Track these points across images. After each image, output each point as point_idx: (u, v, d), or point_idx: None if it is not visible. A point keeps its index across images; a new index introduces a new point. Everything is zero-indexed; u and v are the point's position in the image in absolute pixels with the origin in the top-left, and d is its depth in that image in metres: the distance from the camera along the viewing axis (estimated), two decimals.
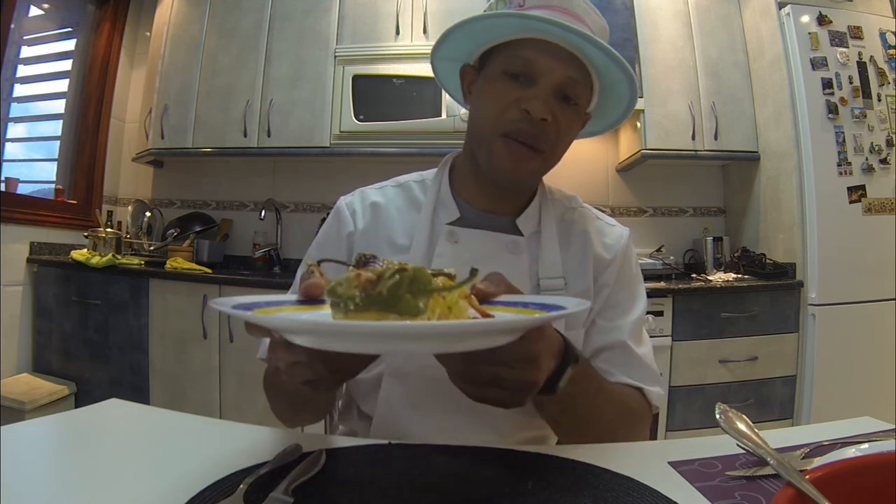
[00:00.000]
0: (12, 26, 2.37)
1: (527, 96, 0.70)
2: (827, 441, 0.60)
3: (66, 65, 2.74)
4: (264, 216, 2.64)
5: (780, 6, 2.29)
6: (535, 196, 0.82)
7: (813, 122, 2.18)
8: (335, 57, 2.44)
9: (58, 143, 2.72)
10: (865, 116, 2.21)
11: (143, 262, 2.37)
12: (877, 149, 2.21)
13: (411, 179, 0.85)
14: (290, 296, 0.51)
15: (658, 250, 2.59)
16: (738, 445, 0.55)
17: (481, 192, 0.79)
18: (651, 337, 0.89)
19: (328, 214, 0.87)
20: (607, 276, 0.80)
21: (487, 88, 0.74)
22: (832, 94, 2.20)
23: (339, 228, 0.82)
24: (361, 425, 0.79)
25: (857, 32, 2.26)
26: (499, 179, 0.76)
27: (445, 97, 2.18)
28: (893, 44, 2.29)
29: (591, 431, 0.66)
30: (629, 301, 0.81)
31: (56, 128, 2.73)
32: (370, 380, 0.76)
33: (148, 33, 2.90)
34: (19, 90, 2.62)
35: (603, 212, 0.89)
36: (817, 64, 2.21)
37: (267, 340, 0.81)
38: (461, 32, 0.74)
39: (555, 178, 0.82)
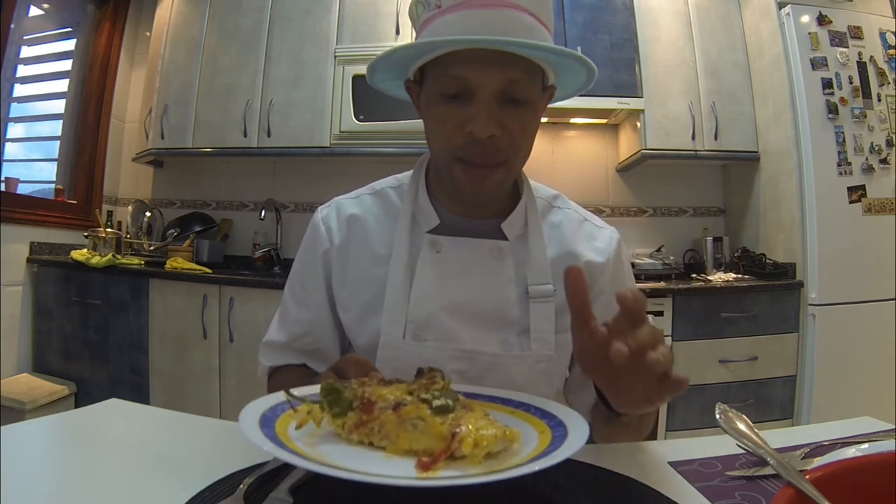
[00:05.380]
0: (12, 26, 2.37)
1: (468, 116, 0.64)
2: (827, 441, 0.60)
3: (66, 65, 2.74)
4: (264, 216, 2.65)
5: (780, 6, 2.29)
6: (518, 195, 0.78)
7: (813, 122, 2.18)
8: (335, 57, 2.44)
9: (58, 143, 2.72)
10: (865, 116, 2.21)
11: (143, 262, 2.37)
12: (877, 149, 2.21)
13: (388, 185, 0.82)
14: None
15: (658, 250, 2.59)
16: (738, 445, 0.55)
17: (458, 201, 0.76)
18: None
19: None
20: (603, 281, 0.78)
21: (430, 111, 0.69)
22: (832, 94, 2.20)
23: (314, 246, 0.80)
24: None
25: (857, 32, 2.26)
26: (467, 199, 0.74)
27: None
28: (893, 44, 2.29)
29: (645, 427, 0.72)
30: None
31: (56, 128, 2.73)
32: None
33: (148, 33, 2.90)
34: (19, 90, 2.62)
35: (602, 212, 0.87)
36: (817, 64, 2.21)
37: (267, 365, 0.82)
38: (383, 65, 0.70)
39: (556, 179, 0.81)
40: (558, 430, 0.50)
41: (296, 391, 0.53)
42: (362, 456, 0.46)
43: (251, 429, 0.45)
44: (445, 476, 0.42)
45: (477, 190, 0.70)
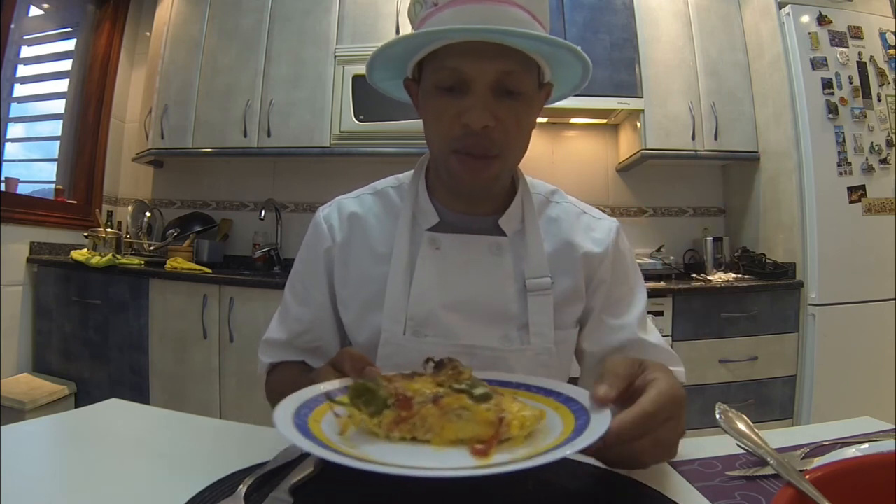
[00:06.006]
0: (12, 26, 2.37)
1: (464, 108, 0.66)
2: (827, 441, 0.60)
3: (66, 65, 2.74)
4: (264, 216, 2.64)
5: (780, 6, 2.29)
6: (516, 192, 0.79)
7: (813, 122, 2.18)
8: (335, 57, 2.44)
9: (58, 143, 2.72)
10: (865, 116, 2.21)
11: (143, 262, 2.37)
12: (877, 149, 2.21)
13: (388, 185, 0.83)
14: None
15: (658, 250, 2.59)
16: (738, 445, 0.55)
17: (456, 197, 0.77)
18: None
19: None
20: (602, 271, 0.78)
21: (427, 106, 0.71)
22: (832, 94, 2.20)
23: (316, 244, 0.81)
24: None
25: (857, 32, 2.26)
26: (464, 192, 0.75)
27: None
28: (893, 44, 2.29)
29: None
30: (630, 294, 0.81)
31: (56, 128, 2.73)
32: None
33: (148, 33, 2.90)
34: (19, 90, 2.62)
35: (602, 211, 0.87)
36: (817, 64, 2.21)
37: (266, 362, 0.82)
38: (381, 59, 0.71)
39: (556, 179, 0.81)
40: (571, 405, 0.51)
41: (328, 387, 0.52)
42: (409, 451, 0.46)
43: (296, 436, 0.43)
44: (516, 460, 0.42)
45: (474, 181, 0.70)
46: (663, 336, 2.08)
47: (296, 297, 0.83)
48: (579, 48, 0.67)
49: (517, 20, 0.64)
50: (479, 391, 0.48)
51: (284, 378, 0.80)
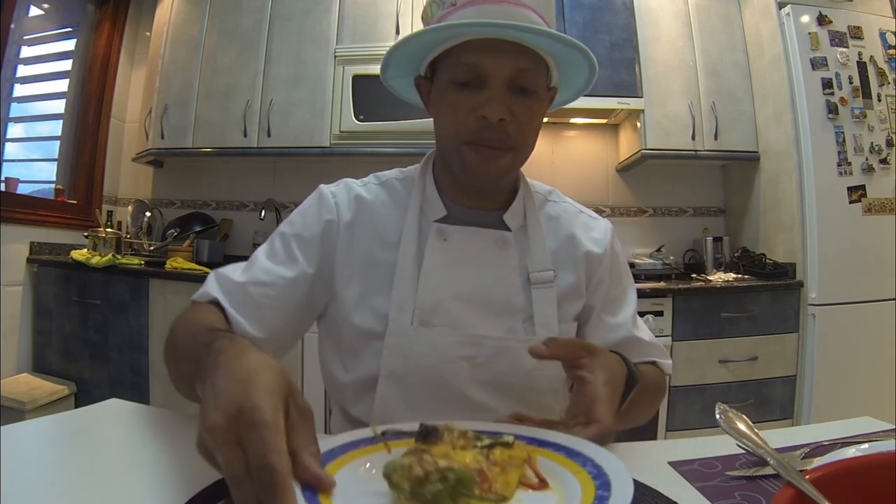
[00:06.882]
0: (12, 26, 2.37)
1: (480, 101, 0.68)
2: (827, 441, 0.60)
3: (66, 65, 2.74)
4: (264, 216, 2.65)
5: (780, 6, 2.29)
6: (518, 191, 0.82)
7: (813, 122, 2.18)
8: (335, 57, 2.44)
9: (58, 143, 2.72)
10: (865, 116, 2.21)
11: (143, 262, 2.37)
12: (877, 149, 2.21)
13: (393, 176, 0.84)
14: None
15: (658, 250, 2.59)
16: (738, 445, 0.55)
17: (463, 192, 0.79)
18: None
19: None
20: (601, 271, 0.81)
21: (442, 100, 0.73)
22: (832, 94, 2.20)
23: (318, 211, 0.77)
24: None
25: (857, 32, 2.26)
26: (475, 183, 0.75)
27: None
28: (893, 44, 2.29)
29: (637, 418, 0.76)
30: (624, 294, 0.85)
31: (56, 128, 2.72)
32: (358, 384, 0.75)
33: (148, 33, 2.90)
34: (19, 90, 2.62)
35: (602, 212, 0.89)
36: (817, 64, 2.21)
37: (206, 290, 0.73)
38: (399, 54, 0.73)
39: (556, 179, 0.82)
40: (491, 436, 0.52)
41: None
42: None
43: None
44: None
45: (487, 172, 0.72)
46: (663, 336, 2.10)
47: (272, 255, 0.76)
48: (588, 49, 0.71)
49: (531, 21, 0.68)
50: (504, 439, 0.50)
51: (195, 325, 0.65)
